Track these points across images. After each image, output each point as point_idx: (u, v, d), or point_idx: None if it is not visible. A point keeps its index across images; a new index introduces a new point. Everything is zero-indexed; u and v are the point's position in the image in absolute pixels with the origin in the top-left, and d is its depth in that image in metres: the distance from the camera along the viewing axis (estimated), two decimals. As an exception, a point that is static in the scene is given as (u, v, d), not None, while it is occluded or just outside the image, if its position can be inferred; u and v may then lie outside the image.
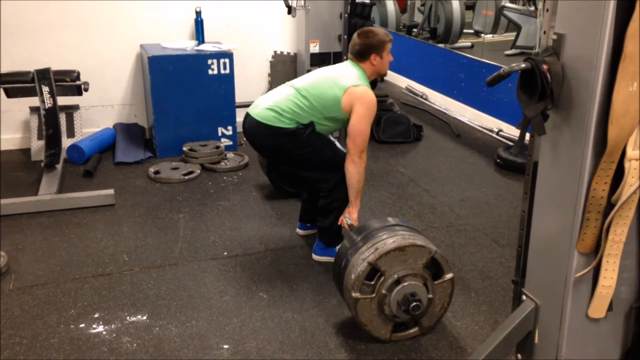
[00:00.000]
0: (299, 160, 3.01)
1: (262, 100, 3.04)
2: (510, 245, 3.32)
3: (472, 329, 2.61)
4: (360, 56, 2.95)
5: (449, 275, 2.51)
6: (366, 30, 3.01)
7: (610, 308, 1.71)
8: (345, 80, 2.89)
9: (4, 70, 4.05)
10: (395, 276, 2.39)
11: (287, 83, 3.07)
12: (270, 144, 3.01)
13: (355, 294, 2.39)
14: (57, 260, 3.13)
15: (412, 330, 2.53)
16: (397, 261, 2.40)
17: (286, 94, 2.96)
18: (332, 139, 3.21)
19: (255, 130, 2.99)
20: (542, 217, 1.78)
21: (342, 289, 2.53)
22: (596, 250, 1.64)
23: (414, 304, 2.37)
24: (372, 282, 2.41)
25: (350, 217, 2.96)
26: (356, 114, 2.85)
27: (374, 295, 2.41)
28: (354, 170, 2.89)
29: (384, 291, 2.40)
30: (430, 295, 2.45)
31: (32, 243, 3.31)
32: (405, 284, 2.39)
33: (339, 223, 3.02)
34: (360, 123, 2.85)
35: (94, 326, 2.60)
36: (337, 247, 3.01)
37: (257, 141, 3.07)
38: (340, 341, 2.52)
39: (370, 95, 2.88)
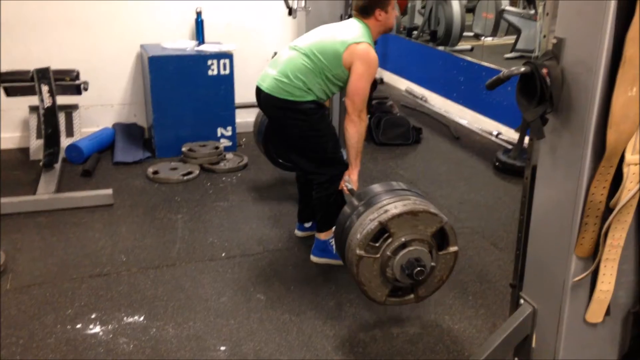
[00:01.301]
0: (304, 140, 2.98)
1: (269, 69, 2.99)
2: (508, 249, 3.31)
3: (469, 332, 2.61)
4: (365, 12, 2.90)
5: (453, 248, 2.45)
6: None
7: (607, 313, 1.71)
8: (347, 35, 2.84)
9: (4, 69, 4.04)
10: (403, 239, 2.33)
11: (289, 45, 3.01)
12: (281, 116, 2.96)
13: (359, 252, 2.33)
14: (54, 260, 3.13)
15: (407, 297, 2.48)
16: (407, 225, 2.34)
17: (288, 58, 2.90)
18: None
19: (265, 103, 2.97)
20: (540, 220, 1.78)
21: (344, 249, 2.47)
22: (594, 254, 1.64)
23: (418, 269, 2.31)
24: (377, 244, 2.35)
25: (350, 179, 2.94)
26: (355, 71, 2.81)
27: (377, 255, 2.35)
28: (354, 131, 2.87)
29: (388, 253, 2.34)
30: (433, 264, 2.39)
31: (30, 242, 3.31)
32: (411, 248, 2.34)
33: (339, 188, 2.98)
34: (359, 80, 2.81)
35: (91, 327, 2.59)
36: (332, 240, 3.00)
37: (271, 114, 3.06)
38: (337, 343, 2.52)
39: (371, 54, 2.83)
